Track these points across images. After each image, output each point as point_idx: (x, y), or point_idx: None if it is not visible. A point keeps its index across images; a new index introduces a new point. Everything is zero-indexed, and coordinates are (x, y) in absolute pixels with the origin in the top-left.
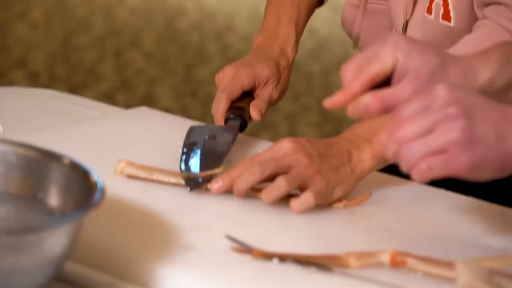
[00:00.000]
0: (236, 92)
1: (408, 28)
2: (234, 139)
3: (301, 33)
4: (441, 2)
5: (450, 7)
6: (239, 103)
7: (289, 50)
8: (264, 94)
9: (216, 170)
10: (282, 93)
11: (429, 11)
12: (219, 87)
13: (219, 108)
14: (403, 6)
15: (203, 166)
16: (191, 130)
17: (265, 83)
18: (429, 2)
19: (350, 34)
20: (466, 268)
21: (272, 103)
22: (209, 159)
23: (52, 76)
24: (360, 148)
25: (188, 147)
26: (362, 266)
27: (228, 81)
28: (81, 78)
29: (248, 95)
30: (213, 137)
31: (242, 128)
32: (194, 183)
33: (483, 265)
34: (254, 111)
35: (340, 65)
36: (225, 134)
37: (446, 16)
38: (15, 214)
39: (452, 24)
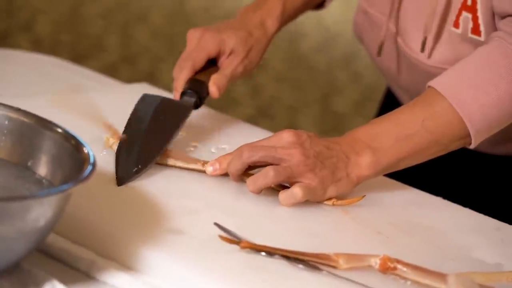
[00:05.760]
0: (200, 62)
1: (427, 44)
2: (184, 119)
3: (290, 13)
4: (470, 16)
5: (480, 21)
6: (200, 75)
7: (270, 22)
8: (227, 66)
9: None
10: (249, 67)
11: (455, 25)
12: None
13: (180, 79)
14: (422, 22)
15: (143, 151)
16: (142, 99)
17: (230, 53)
18: (456, 16)
19: (360, 40)
20: (457, 282)
21: (235, 78)
22: (153, 140)
23: (56, 43)
24: (359, 154)
25: (134, 121)
26: (351, 268)
27: (194, 48)
28: (85, 48)
29: (213, 62)
30: (163, 111)
31: (196, 105)
32: (122, 178)
33: (475, 280)
34: (213, 87)
35: (346, 60)
36: (177, 111)
37: (475, 30)
38: (1, 180)
39: (482, 38)
